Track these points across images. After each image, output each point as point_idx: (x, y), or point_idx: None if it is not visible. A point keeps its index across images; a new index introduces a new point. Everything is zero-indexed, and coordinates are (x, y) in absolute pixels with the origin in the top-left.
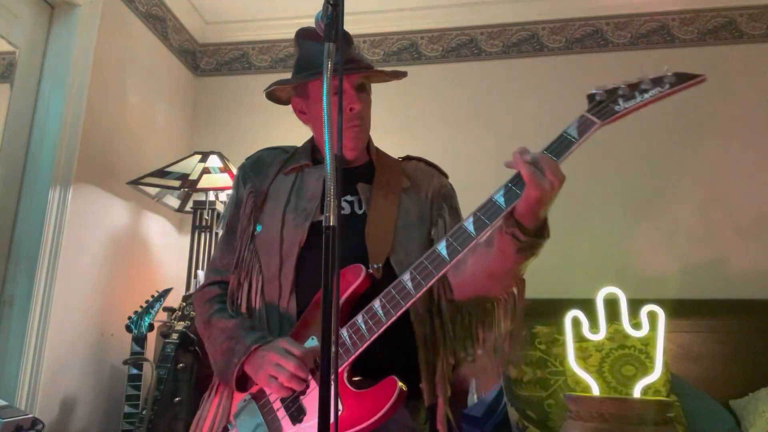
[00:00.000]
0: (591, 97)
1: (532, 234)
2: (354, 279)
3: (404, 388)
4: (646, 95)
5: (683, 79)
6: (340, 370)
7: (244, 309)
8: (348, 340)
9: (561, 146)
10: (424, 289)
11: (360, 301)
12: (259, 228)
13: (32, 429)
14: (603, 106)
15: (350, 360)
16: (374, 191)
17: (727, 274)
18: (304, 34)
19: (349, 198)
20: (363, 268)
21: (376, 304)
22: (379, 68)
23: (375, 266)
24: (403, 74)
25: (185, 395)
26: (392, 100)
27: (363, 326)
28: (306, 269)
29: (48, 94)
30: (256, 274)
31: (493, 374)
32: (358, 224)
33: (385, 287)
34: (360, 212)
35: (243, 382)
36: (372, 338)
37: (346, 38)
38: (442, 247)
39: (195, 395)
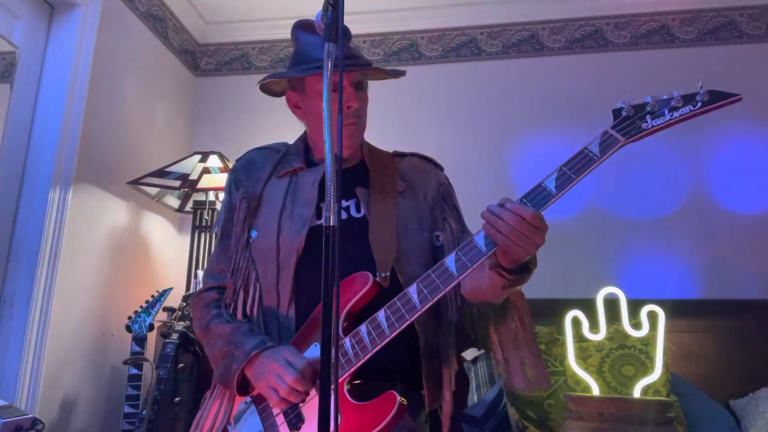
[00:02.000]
0: (617, 112)
1: (516, 271)
2: (361, 287)
3: (404, 402)
4: (675, 113)
5: (717, 98)
6: (340, 381)
7: (240, 316)
8: (350, 350)
9: (582, 163)
10: (429, 303)
11: (365, 309)
12: (254, 234)
13: (32, 429)
14: (629, 122)
15: (351, 371)
16: (372, 195)
17: (727, 274)
18: (301, 26)
19: (343, 203)
20: (370, 276)
21: (381, 315)
22: (378, 66)
23: (383, 275)
24: (402, 73)
25: (185, 395)
26: (392, 100)
27: (366, 337)
28: (306, 276)
29: (48, 94)
30: (253, 281)
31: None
32: (360, 228)
33: (389, 295)
34: (358, 216)
35: (244, 385)
36: (374, 351)
37: (345, 33)
38: (450, 262)
39: (195, 395)
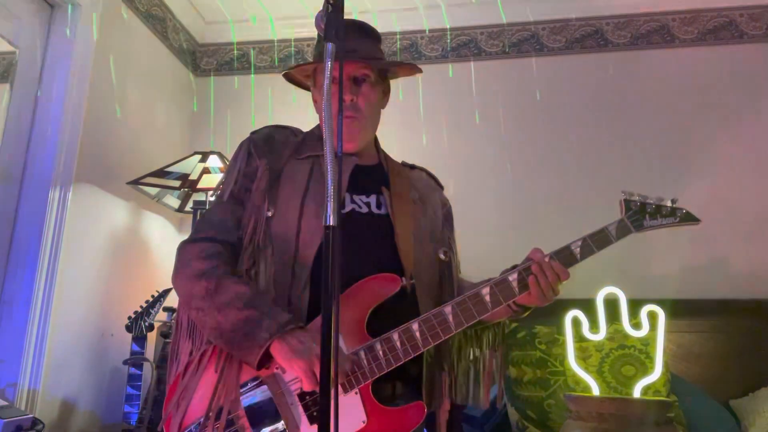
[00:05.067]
0: (627, 204)
1: (523, 306)
2: (389, 287)
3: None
4: (664, 221)
5: (687, 219)
6: (367, 382)
7: None
8: (381, 355)
9: (602, 240)
10: (462, 328)
11: (378, 309)
12: (271, 210)
13: (32, 429)
14: (636, 218)
15: (377, 375)
16: (393, 198)
17: (727, 274)
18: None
19: (365, 198)
20: (399, 279)
21: (414, 327)
22: (376, 59)
23: (409, 280)
24: (396, 63)
25: None
26: (391, 100)
27: (399, 346)
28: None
29: (48, 94)
30: (268, 257)
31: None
32: (383, 226)
33: (405, 300)
34: (379, 212)
35: (260, 360)
36: (405, 360)
37: (361, 29)
38: (486, 293)
39: None
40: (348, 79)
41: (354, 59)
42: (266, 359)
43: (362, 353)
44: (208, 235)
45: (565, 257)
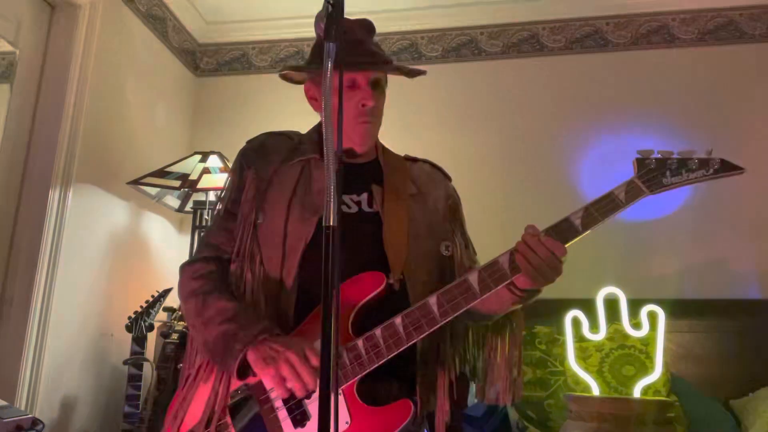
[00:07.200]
0: (640, 162)
1: (528, 290)
2: (373, 287)
3: (417, 413)
4: (691, 175)
5: (726, 168)
6: (351, 382)
7: (248, 298)
8: (364, 353)
9: (609, 206)
10: (450, 318)
11: (368, 309)
12: (261, 217)
13: (32, 429)
14: (653, 176)
15: (362, 374)
16: (386, 194)
17: (727, 274)
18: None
19: (355, 197)
20: (384, 277)
21: (397, 321)
22: (399, 65)
23: (396, 278)
24: (421, 72)
25: None
26: (392, 100)
27: (382, 342)
28: (311, 265)
29: (48, 94)
30: (257, 265)
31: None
32: (372, 224)
33: (395, 298)
34: (370, 210)
35: (242, 370)
36: (389, 356)
37: (369, 28)
38: (473, 279)
39: None
40: (368, 84)
41: (379, 68)
42: (248, 369)
43: (344, 352)
44: (203, 254)
45: (564, 230)
